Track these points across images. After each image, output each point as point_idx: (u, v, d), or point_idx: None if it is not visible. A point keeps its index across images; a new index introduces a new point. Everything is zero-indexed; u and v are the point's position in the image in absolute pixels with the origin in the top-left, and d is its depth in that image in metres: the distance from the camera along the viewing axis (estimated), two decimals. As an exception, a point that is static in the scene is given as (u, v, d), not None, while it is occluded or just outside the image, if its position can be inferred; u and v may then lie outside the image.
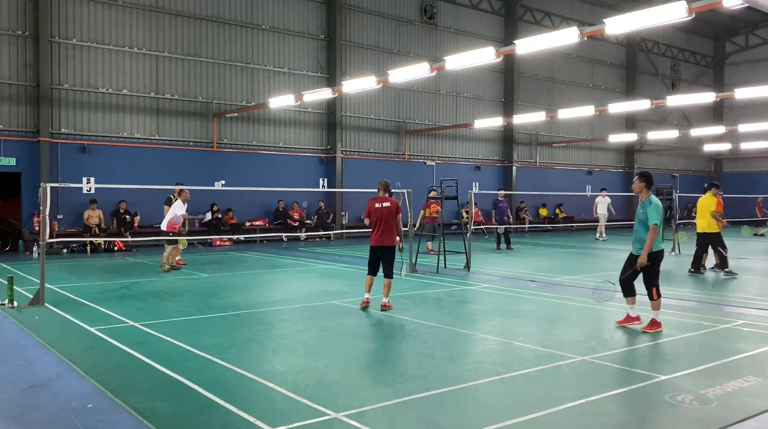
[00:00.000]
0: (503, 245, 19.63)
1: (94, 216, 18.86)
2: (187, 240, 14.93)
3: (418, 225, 17.60)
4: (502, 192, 21.55)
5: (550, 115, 25.03)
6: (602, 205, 24.08)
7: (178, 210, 14.21)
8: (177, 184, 15.65)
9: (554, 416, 4.79)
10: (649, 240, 7.66)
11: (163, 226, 14.29)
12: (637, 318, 7.97)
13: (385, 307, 9.11)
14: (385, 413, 4.87)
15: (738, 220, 26.85)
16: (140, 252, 18.42)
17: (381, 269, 9.37)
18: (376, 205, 9.37)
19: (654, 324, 7.79)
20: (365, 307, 9.20)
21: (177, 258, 14.64)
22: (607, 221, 24.58)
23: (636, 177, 8.11)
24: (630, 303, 7.99)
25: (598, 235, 24.48)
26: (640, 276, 7.84)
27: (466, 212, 19.02)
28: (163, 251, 14.28)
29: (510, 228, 21.15)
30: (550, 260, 16.93)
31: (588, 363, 6.31)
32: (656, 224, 7.66)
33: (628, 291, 7.99)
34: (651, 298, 7.82)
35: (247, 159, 22.43)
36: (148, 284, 11.95)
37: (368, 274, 9.42)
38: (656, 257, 7.81)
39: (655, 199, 7.89)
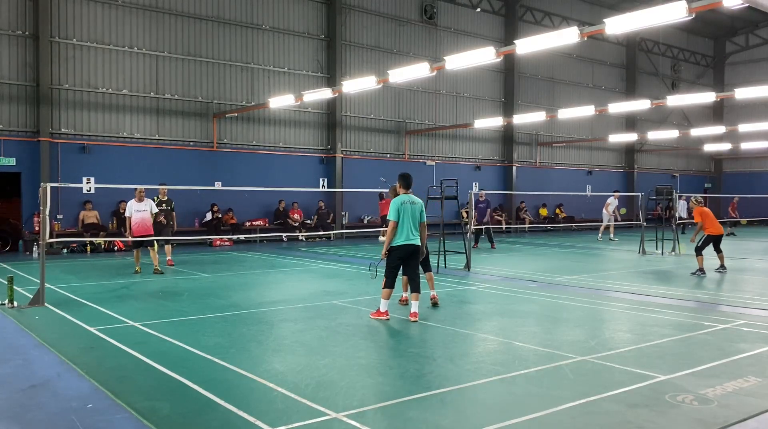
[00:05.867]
0: (498, 245, 19.57)
1: (90, 216, 18.84)
2: (159, 241, 14.05)
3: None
4: (483, 192, 21.33)
5: (550, 115, 25.00)
6: (612, 206, 23.70)
7: (127, 211, 13.46)
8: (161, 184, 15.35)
9: (554, 416, 4.79)
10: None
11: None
12: (386, 313, 8.43)
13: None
14: (385, 413, 4.87)
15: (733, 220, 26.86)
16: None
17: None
18: None
19: (378, 312, 8.46)
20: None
21: (150, 262, 13.63)
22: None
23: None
24: (385, 296, 8.43)
25: (612, 235, 23.86)
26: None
27: (466, 212, 19.02)
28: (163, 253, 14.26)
29: (491, 228, 20.84)
30: (550, 260, 16.92)
31: (588, 363, 6.31)
32: (392, 220, 8.43)
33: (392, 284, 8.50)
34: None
35: (247, 159, 22.43)
36: (148, 284, 11.95)
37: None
38: (389, 251, 8.51)
39: (396, 198, 8.57)
